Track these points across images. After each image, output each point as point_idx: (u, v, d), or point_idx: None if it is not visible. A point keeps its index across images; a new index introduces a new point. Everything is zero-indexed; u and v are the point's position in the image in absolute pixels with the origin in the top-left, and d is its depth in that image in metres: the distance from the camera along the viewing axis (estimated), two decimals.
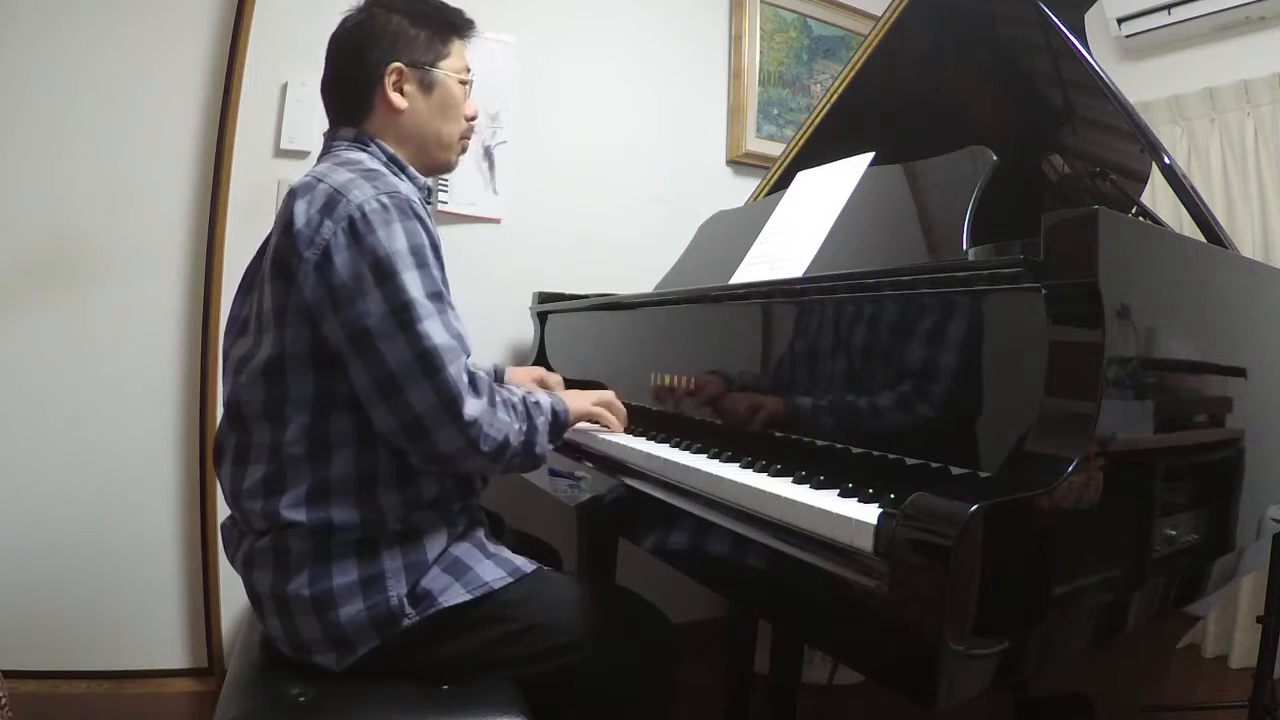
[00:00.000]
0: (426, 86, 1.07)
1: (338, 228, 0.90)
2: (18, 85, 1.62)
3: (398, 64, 1.04)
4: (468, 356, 0.93)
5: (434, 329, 0.89)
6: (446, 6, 1.11)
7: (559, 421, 1.06)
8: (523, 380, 1.43)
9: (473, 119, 1.14)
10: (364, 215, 0.90)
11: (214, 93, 1.74)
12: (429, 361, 0.88)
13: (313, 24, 1.76)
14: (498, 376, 1.44)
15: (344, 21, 1.07)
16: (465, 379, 0.90)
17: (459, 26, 1.11)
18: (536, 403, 1.03)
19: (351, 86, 1.06)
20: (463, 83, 1.11)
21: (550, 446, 1.05)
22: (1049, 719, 0.85)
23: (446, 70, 1.08)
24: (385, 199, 0.92)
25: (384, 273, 0.89)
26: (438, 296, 0.92)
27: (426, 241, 0.94)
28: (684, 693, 1.08)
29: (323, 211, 0.91)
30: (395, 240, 0.90)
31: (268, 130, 1.80)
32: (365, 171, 0.96)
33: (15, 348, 1.63)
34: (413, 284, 0.90)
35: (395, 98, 1.05)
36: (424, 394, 0.88)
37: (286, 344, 0.93)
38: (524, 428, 0.98)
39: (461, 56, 1.11)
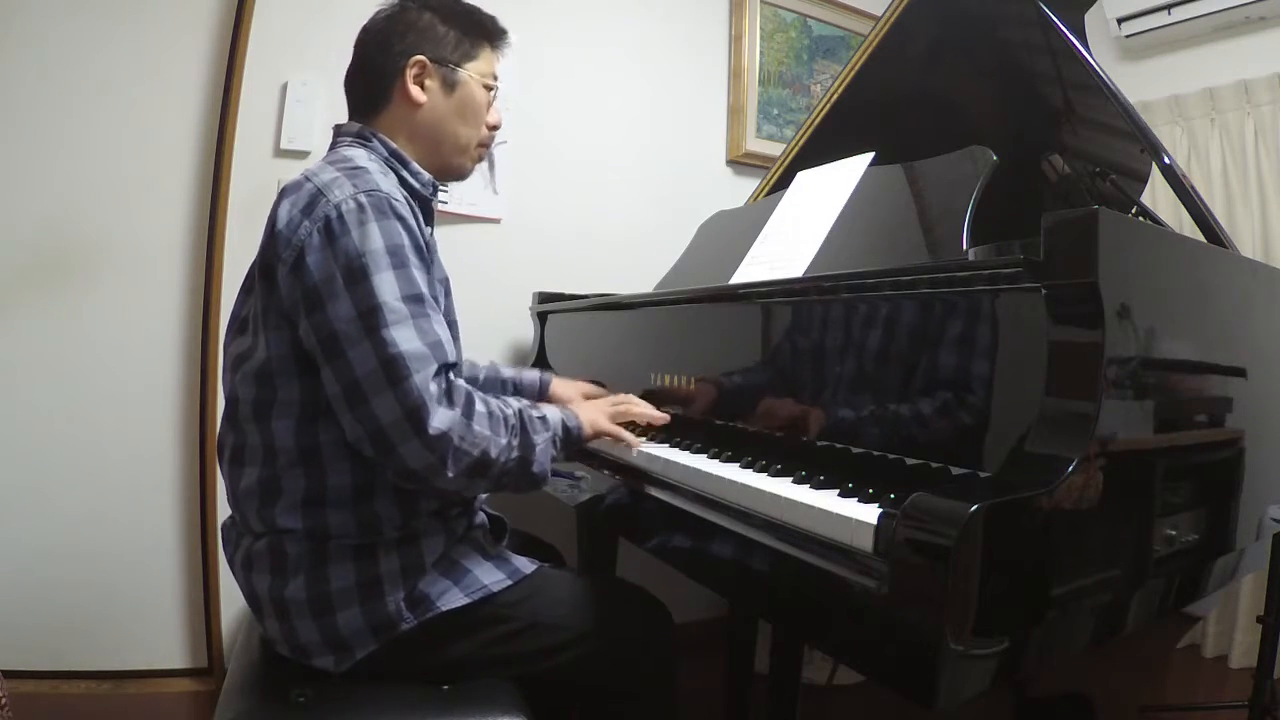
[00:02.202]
0: (449, 85, 1.04)
1: (314, 228, 0.88)
2: (18, 85, 1.61)
3: (421, 57, 1.02)
4: (447, 365, 0.88)
5: (402, 335, 0.85)
6: (481, 11, 1.09)
7: (570, 438, 1.02)
8: (566, 394, 1.37)
9: (495, 128, 1.11)
10: (340, 215, 0.88)
11: (214, 93, 1.74)
12: (393, 369, 0.84)
13: (313, 24, 1.79)
14: (542, 389, 1.39)
15: (375, 14, 1.05)
16: (435, 388, 0.85)
17: (492, 34, 1.08)
18: (541, 418, 0.98)
19: (372, 77, 1.04)
20: (487, 88, 1.08)
21: (553, 464, 0.99)
22: (1049, 719, 0.86)
23: (471, 72, 1.06)
24: (362, 197, 0.89)
25: (355, 275, 0.86)
26: (415, 299, 0.88)
27: (407, 241, 0.90)
28: (684, 693, 1.07)
29: (303, 212, 0.89)
30: (369, 240, 0.87)
31: (268, 130, 1.79)
32: (351, 170, 0.93)
33: (15, 348, 1.62)
34: (385, 286, 0.86)
35: (414, 91, 1.02)
36: (387, 404, 0.84)
37: (271, 347, 0.92)
38: (513, 443, 0.92)
39: (490, 63, 1.08)
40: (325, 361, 0.87)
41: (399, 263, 0.88)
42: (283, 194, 0.93)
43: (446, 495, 0.98)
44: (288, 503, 0.92)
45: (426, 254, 0.95)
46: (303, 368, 0.91)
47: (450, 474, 0.87)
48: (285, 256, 0.89)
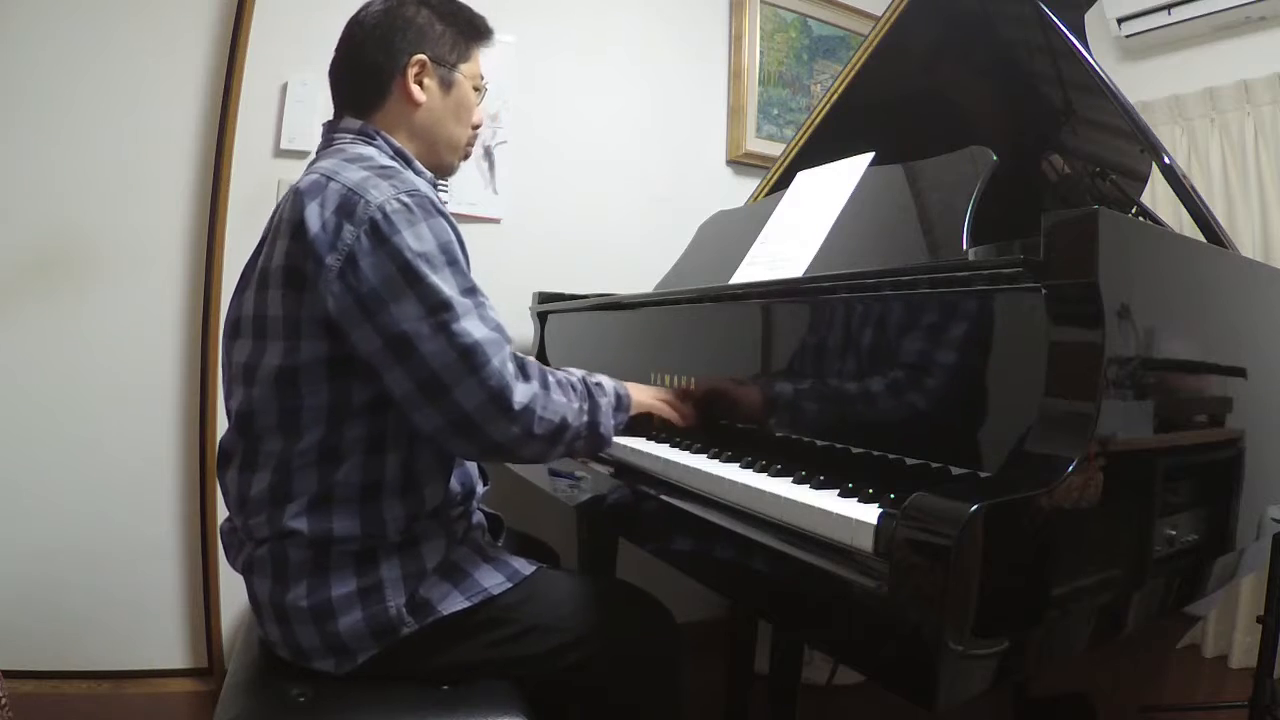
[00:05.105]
0: (446, 85, 1.06)
1: (360, 231, 0.86)
2: (18, 84, 1.61)
3: (422, 56, 1.02)
4: (510, 344, 0.91)
5: (472, 325, 0.87)
6: (473, 11, 1.10)
7: (621, 404, 1.05)
8: None
9: (478, 127, 1.14)
10: (386, 216, 0.87)
11: (214, 93, 1.74)
12: (472, 358, 0.86)
13: (313, 24, 1.78)
14: None
15: (368, 5, 1.04)
16: (511, 368, 0.89)
17: (482, 33, 1.10)
18: (599, 383, 1.02)
19: (369, 73, 1.03)
20: (476, 89, 1.10)
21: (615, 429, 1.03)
22: (1049, 719, 0.86)
23: (465, 74, 1.08)
24: (407, 198, 0.89)
25: (415, 275, 0.86)
26: (471, 291, 0.90)
27: (453, 238, 0.92)
28: (685, 693, 1.07)
29: (339, 214, 0.87)
30: (423, 241, 0.88)
31: (268, 130, 1.80)
32: (380, 169, 0.92)
33: (15, 348, 1.63)
34: (446, 283, 0.87)
35: (415, 90, 1.03)
36: (471, 391, 0.86)
37: (301, 354, 0.90)
38: (585, 407, 0.97)
39: (479, 64, 1.10)
40: (396, 362, 0.87)
41: (452, 259, 0.90)
42: (301, 195, 0.90)
43: (524, 462, 1.01)
44: (298, 505, 0.91)
45: (465, 249, 0.96)
46: (334, 372, 0.90)
47: (534, 444, 0.92)
48: (330, 263, 0.87)
